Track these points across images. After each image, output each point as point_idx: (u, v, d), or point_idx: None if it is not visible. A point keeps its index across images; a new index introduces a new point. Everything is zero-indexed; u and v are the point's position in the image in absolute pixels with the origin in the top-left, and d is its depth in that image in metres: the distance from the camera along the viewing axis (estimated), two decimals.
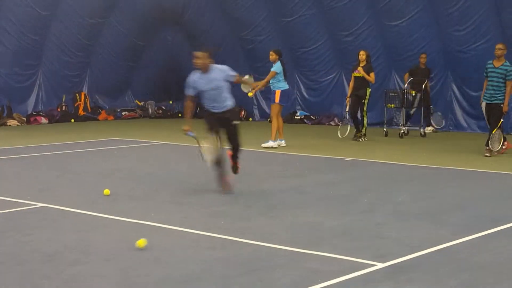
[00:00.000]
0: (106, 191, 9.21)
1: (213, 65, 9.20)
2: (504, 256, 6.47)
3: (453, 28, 17.83)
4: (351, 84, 16.14)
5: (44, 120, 20.38)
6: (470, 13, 17.42)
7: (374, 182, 10.55)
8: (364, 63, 15.82)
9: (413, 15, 18.28)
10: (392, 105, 17.16)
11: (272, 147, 14.39)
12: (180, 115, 23.28)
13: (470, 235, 7.17)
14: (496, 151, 13.33)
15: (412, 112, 17.47)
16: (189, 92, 9.28)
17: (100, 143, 15.38)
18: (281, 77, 14.53)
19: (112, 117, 22.00)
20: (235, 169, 9.96)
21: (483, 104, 13.50)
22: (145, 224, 7.64)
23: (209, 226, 7.47)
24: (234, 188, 9.48)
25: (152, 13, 22.00)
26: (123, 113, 22.42)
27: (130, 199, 9.08)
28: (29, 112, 20.59)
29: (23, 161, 12.64)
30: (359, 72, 15.76)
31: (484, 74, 13.46)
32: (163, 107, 23.38)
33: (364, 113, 15.98)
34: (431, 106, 17.96)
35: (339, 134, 16.26)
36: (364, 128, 16.06)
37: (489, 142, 13.26)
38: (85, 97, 21.79)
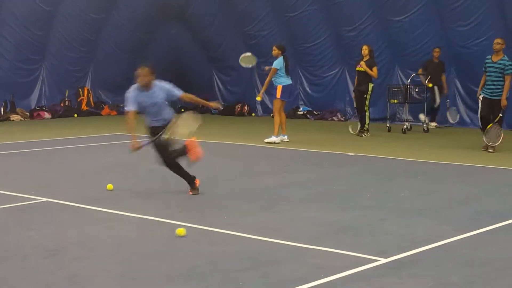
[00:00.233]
0: (109, 186, 9.22)
1: (155, 81, 8.91)
2: (507, 252, 6.47)
3: (456, 24, 17.80)
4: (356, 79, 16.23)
5: (47, 115, 20.39)
6: (473, 8, 17.40)
7: (377, 178, 10.55)
8: (367, 57, 15.80)
9: (416, 11, 18.26)
10: (395, 101, 17.15)
11: (275, 142, 14.39)
12: (182, 110, 23.27)
13: (473, 230, 7.17)
14: (492, 146, 13.25)
15: (436, 106, 17.60)
16: (132, 107, 8.87)
17: (103, 138, 15.38)
18: (283, 73, 14.50)
19: (115, 112, 21.99)
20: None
21: (481, 97, 13.47)
22: (148, 219, 7.65)
23: (212, 221, 7.47)
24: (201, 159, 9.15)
25: (155, 8, 21.98)
26: None
27: (133, 194, 9.09)
28: (32, 107, 20.61)
29: (26, 156, 12.65)
30: (362, 66, 15.75)
31: (483, 69, 13.46)
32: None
33: (366, 108, 15.96)
34: (447, 101, 17.99)
35: (350, 130, 16.25)
36: (366, 123, 16.04)
37: (484, 136, 13.23)
38: (88, 92, 21.81)
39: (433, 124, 17.96)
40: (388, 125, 17.24)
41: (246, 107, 21.95)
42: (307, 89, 21.11)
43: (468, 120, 18.28)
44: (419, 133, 16.68)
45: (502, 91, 13.12)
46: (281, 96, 14.58)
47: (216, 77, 23.03)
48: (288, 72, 14.66)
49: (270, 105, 20.81)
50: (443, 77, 17.82)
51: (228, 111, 22.01)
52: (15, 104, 20.18)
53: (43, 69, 20.83)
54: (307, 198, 8.92)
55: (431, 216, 7.86)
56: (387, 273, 5.76)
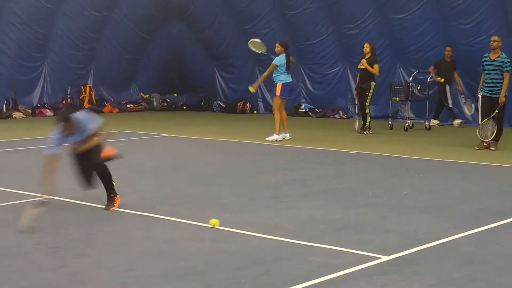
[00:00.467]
0: None
1: (76, 124, 7.89)
2: (508, 250, 6.46)
3: (458, 22, 17.77)
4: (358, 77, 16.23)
5: (49, 112, 20.38)
6: (475, 6, 17.37)
7: (379, 175, 10.55)
8: (369, 55, 15.79)
9: (418, 9, 18.23)
10: (397, 98, 17.14)
11: (276, 140, 14.38)
12: (184, 107, 23.32)
13: (475, 228, 7.16)
14: (486, 141, 13.21)
15: (451, 104, 17.59)
16: (54, 150, 7.95)
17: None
18: (283, 70, 14.48)
19: (117, 110, 22.00)
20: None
21: (480, 96, 13.45)
22: (150, 216, 7.65)
23: (214, 219, 7.46)
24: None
25: (157, 6, 21.98)
26: (128, 106, 22.42)
27: (134, 191, 9.08)
28: (34, 104, 20.61)
29: (28, 153, 12.65)
30: (363, 64, 15.74)
31: (481, 67, 13.45)
32: (168, 100, 23.38)
33: (366, 106, 15.93)
34: (463, 96, 17.97)
35: (356, 127, 16.23)
36: (368, 121, 16.03)
37: (479, 130, 13.21)
38: (90, 90, 21.79)
39: (435, 122, 17.94)
40: (390, 123, 17.23)
41: (248, 105, 21.93)
42: (309, 86, 21.10)
43: (470, 117, 18.26)
44: (421, 131, 16.67)
45: (501, 89, 13.10)
46: (281, 93, 14.56)
47: (218, 75, 23.02)
48: (289, 69, 14.64)
49: (271, 103, 20.80)
50: (456, 75, 17.73)
51: (230, 108, 22.02)
52: (17, 102, 20.17)
53: (45, 67, 20.83)
54: (309, 195, 8.92)
55: (433, 214, 7.85)
56: (389, 270, 5.76)
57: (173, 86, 23.60)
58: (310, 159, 12.21)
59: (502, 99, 13.09)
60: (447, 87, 17.61)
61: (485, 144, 13.29)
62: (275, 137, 14.48)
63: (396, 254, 6.19)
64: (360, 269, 5.75)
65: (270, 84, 15.05)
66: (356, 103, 16.62)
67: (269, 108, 21.21)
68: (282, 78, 14.51)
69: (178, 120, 19.57)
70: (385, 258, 6.05)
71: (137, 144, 14.36)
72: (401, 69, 19.26)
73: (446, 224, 7.38)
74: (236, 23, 21.69)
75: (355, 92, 16.56)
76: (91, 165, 8.15)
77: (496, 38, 13.30)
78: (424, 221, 7.52)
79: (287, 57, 14.55)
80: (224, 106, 22.38)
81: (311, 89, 21.08)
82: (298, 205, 8.31)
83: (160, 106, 23.14)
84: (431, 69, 17.75)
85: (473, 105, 17.76)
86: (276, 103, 14.68)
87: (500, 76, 13.13)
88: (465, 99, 17.87)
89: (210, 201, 8.51)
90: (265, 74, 14.77)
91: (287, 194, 8.95)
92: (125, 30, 21.84)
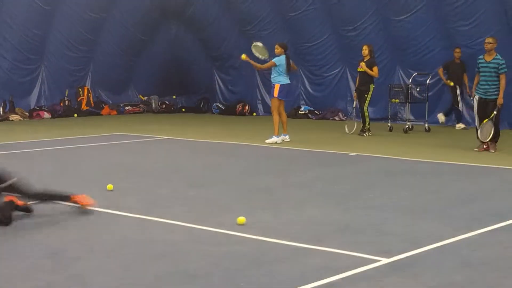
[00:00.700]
0: (110, 186, 9.18)
1: None
2: (509, 252, 6.44)
3: (458, 23, 17.76)
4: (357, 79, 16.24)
5: (47, 115, 20.38)
6: (475, 8, 17.36)
7: (378, 177, 10.53)
8: (368, 57, 15.79)
9: (417, 10, 18.23)
10: (397, 100, 17.14)
11: (276, 143, 14.35)
12: (183, 109, 23.31)
13: (475, 230, 7.14)
14: (484, 142, 13.18)
15: (460, 107, 17.55)
16: None
17: (103, 138, 15.35)
18: (282, 71, 14.46)
19: (115, 112, 21.99)
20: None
21: (476, 98, 13.42)
22: (149, 219, 7.62)
23: (213, 221, 7.44)
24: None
25: (155, 7, 21.98)
26: (127, 108, 22.41)
27: (134, 194, 9.06)
28: (32, 106, 20.60)
29: (26, 156, 12.62)
30: (362, 67, 15.73)
31: (476, 69, 13.42)
32: (167, 102, 23.38)
33: (365, 108, 15.93)
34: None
35: (346, 130, 16.26)
36: (367, 123, 16.02)
37: (478, 131, 13.19)
38: (88, 92, 21.79)
39: (460, 125, 17.77)
40: (389, 124, 17.22)
41: (247, 107, 21.94)
42: (309, 88, 21.10)
43: (469, 119, 18.24)
44: (421, 133, 16.66)
45: (496, 91, 13.06)
46: (279, 95, 14.54)
47: (217, 76, 23.02)
48: (288, 71, 14.62)
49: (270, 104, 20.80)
50: (465, 77, 17.67)
51: (229, 110, 22.01)
52: (14, 104, 20.15)
53: (42, 69, 20.81)
54: (308, 198, 8.90)
55: (433, 216, 7.83)
56: (389, 273, 5.74)
57: (172, 88, 23.59)
58: (309, 161, 12.19)
59: (500, 100, 13.05)
60: (457, 88, 17.55)
61: (484, 146, 13.27)
62: (274, 139, 14.46)
63: (396, 256, 6.16)
64: (359, 272, 5.72)
65: (269, 86, 15.02)
66: (354, 105, 16.62)
67: (268, 110, 21.20)
68: (280, 80, 14.49)
69: (177, 122, 19.55)
70: (385, 261, 6.03)
71: (136, 146, 14.33)
72: (401, 71, 19.25)
73: (446, 226, 7.35)
74: (235, 25, 21.69)
75: (354, 94, 16.59)
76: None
77: (490, 40, 13.26)
78: (424, 223, 7.50)
79: (287, 59, 14.53)
80: (223, 108, 22.38)
81: (311, 91, 21.08)
82: (297, 207, 8.29)
83: (158, 108, 23.14)
84: (440, 71, 17.70)
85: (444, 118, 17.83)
86: (274, 104, 14.66)
87: (495, 78, 13.09)
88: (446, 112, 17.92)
89: (209, 204, 8.49)
90: (261, 66, 14.81)
91: (287, 196, 8.92)
92: (123, 32, 21.84)
